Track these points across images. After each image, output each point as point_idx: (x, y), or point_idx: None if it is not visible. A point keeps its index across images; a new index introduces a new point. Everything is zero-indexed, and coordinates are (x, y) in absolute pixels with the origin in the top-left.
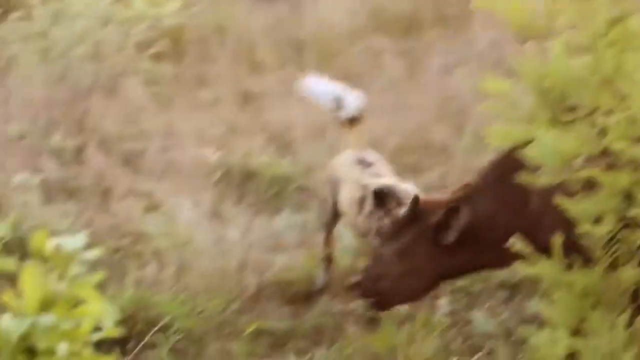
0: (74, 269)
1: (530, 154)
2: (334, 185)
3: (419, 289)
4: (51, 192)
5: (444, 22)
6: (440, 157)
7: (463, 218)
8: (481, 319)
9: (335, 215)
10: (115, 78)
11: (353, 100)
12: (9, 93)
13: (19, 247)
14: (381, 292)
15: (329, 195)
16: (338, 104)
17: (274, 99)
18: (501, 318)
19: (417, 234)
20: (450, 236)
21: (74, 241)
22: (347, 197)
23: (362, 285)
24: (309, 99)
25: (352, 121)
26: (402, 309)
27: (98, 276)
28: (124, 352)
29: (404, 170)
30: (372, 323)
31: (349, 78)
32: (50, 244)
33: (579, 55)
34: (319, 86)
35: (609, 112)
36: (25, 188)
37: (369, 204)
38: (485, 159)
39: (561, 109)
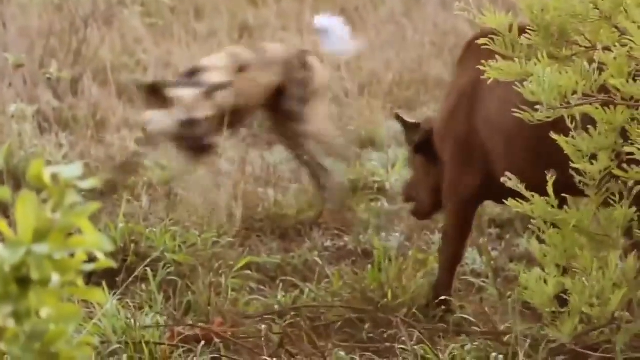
0: (70, 199)
1: (528, 89)
2: None
3: (429, 202)
4: (46, 123)
5: None
6: (436, 92)
7: (421, 135)
8: (471, 256)
9: None
10: (113, 9)
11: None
12: (5, 22)
13: (13, 177)
14: (415, 199)
15: None
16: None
17: (271, 31)
18: (491, 255)
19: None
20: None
21: (70, 170)
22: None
23: (403, 191)
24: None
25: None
26: (394, 243)
27: (93, 207)
28: (114, 285)
29: (400, 104)
30: (362, 258)
31: (347, 12)
32: (46, 173)
33: None
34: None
35: (608, 48)
36: (20, 118)
37: None
38: None
39: (560, 44)
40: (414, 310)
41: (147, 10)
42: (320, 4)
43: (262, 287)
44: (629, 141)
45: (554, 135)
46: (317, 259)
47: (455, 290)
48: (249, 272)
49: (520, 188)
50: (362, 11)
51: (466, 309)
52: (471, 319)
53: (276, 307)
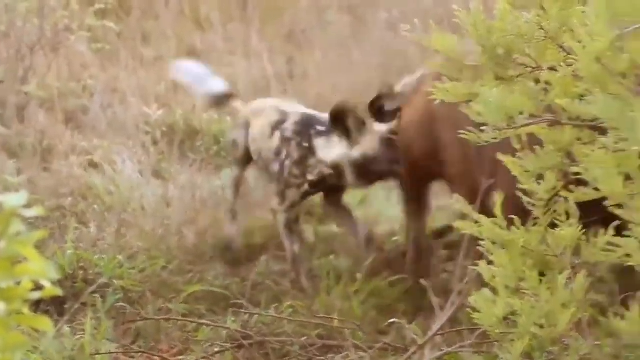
0: (15, 227)
1: (475, 110)
2: (245, 126)
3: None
4: None
5: None
6: None
7: None
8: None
9: (245, 160)
10: (59, 35)
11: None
12: None
13: None
14: None
15: (240, 140)
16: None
17: (218, 56)
18: (441, 277)
19: None
20: None
21: (15, 199)
22: (259, 128)
23: None
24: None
25: (225, 98)
26: (343, 265)
27: (38, 234)
28: (63, 312)
29: None
30: (310, 282)
31: (294, 35)
32: None
33: (525, 11)
34: (190, 70)
35: (553, 68)
36: None
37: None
38: None
39: (506, 65)
40: (362, 332)
41: (94, 35)
42: (267, 28)
43: (212, 313)
44: (575, 161)
45: (500, 156)
46: (268, 282)
47: (405, 312)
48: (198, 297)
49: (469, 210)
50: (309, 34)
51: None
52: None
53: (225, 332)
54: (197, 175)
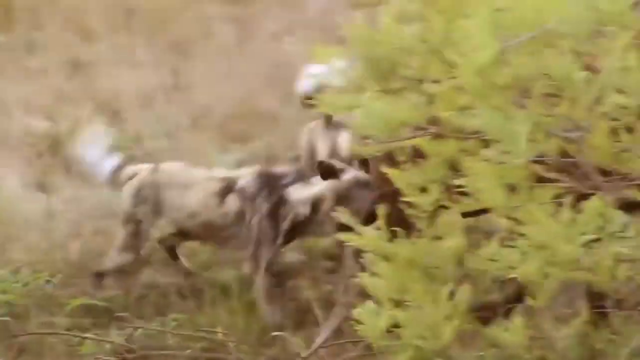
0: None
1: (359, 123)
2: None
3: None
4: None
5: None
6: (268, 125)
7: None
8: (305, 290)
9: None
10: None
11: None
12: None
13: None
14: None
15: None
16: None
17: (103, 67)
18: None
19: None
20: None
21: None
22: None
23: None
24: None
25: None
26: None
27: None
28: None
29: (233, 139)
30: (195, 296)
31: (180, 45)
32: None
33: (409, 23)
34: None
35: (437, 81)
36: None
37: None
38: None
39: (390, 78)
40: (246, 346)
41: None
42: (152, 38)
43: (96, 326)
44: (458, 173)
45: (384, 169)
46: (152, 295)
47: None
48: (82, 311)
49: (352, 222)
50: (194, 43)
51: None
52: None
53: (109, 346)
54: (81, 189)
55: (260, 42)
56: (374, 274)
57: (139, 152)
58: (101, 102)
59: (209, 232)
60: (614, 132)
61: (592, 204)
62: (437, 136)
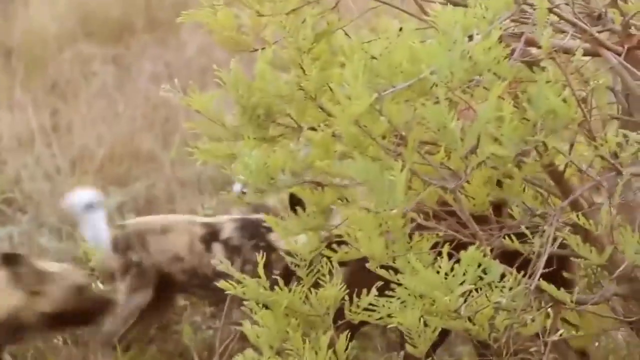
0: None
1: (235, 171)
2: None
3: None
4: None
5: (154, 27)
6: (148, 167)
7: None
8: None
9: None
10: None
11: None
12: None
13: None
14: None
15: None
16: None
17: None
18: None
19: None
20: None
21: None
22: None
23: None
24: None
25: None
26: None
27: None
28: None
29: (112, 181)
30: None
31: (58, 86)
32: None
33: (285, 71)
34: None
35: (314, 128)
36: None
37: None
38: (192, 170)
39: (267, 125)
40: None
41: None
42: (31, 79)
43: None
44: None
45: (264, 217)
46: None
47: None
48: None
49: (232, 270)
50: (74, 85)
51: None
52: None
53: None
54: None
55: (140, 82)
56: (254, 322)
57: (19, 195)
58: None
59: (195, 280)
60: (490, 181)
61: (470, 254)
62: (315, 184)
